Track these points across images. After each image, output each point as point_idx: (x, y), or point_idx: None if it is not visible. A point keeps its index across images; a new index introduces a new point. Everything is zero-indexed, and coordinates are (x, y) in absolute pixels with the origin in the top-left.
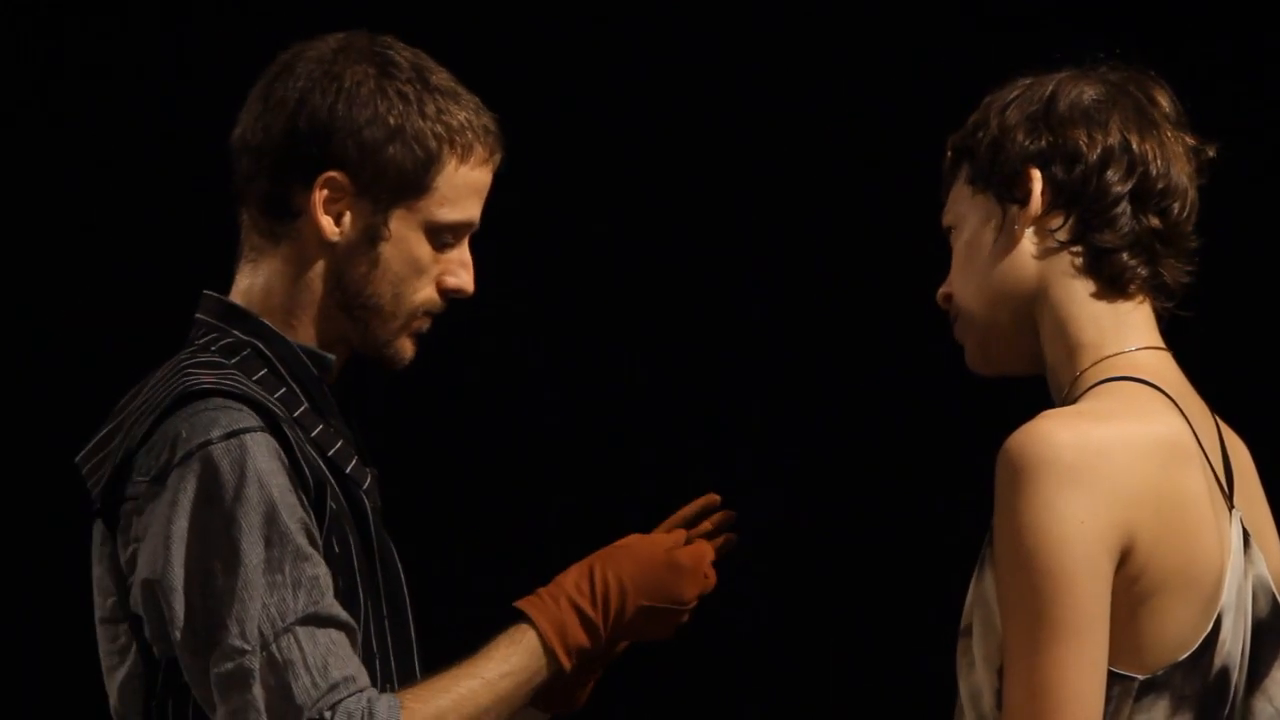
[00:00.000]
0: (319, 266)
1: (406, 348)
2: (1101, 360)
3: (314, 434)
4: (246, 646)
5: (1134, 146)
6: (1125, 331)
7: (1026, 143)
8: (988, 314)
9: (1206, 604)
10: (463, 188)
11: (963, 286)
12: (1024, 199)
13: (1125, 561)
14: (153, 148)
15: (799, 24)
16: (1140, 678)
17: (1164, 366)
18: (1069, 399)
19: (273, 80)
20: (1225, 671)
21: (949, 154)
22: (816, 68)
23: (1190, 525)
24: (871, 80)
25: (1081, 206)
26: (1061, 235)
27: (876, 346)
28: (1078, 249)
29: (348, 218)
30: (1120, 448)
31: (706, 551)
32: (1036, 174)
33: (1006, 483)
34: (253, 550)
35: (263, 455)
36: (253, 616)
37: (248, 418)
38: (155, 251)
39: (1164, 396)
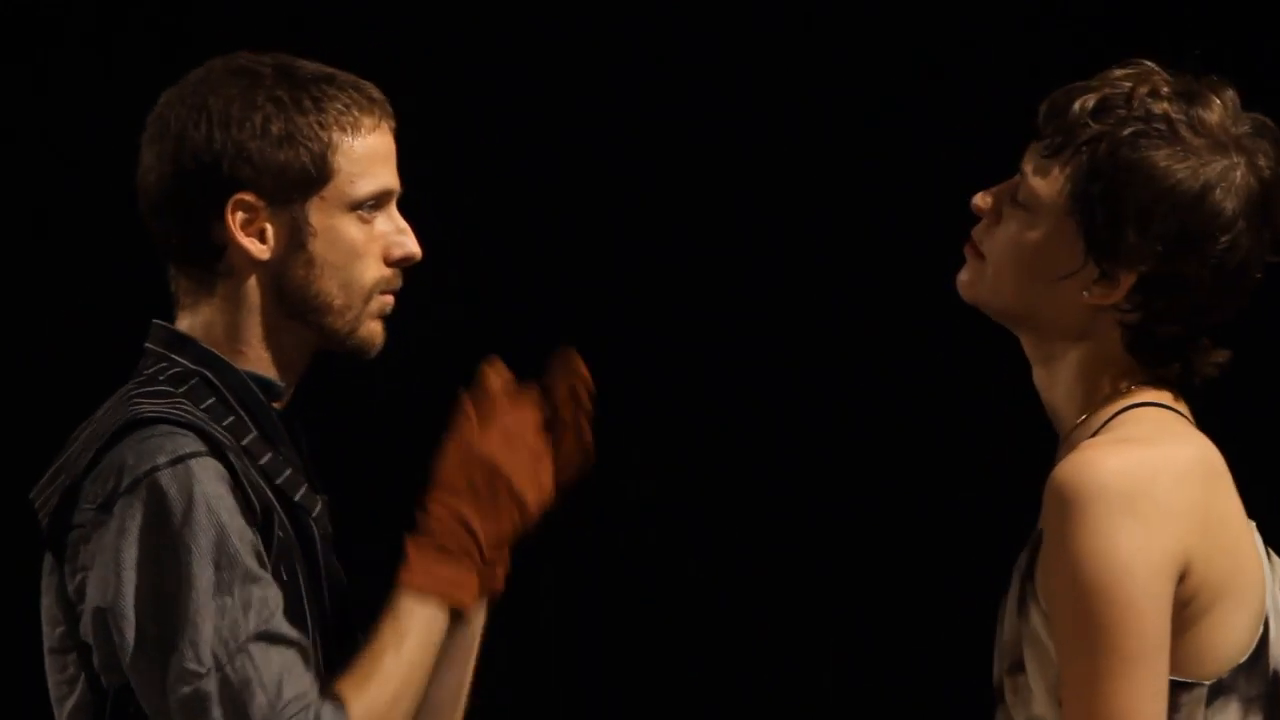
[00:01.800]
0: (257, 288)
1: (374, 332)
2: (1121, 388)
3: (262, 462)
4: (201, 669)
5: (1237, 279)
6: (1139, 369)
7: (1149, 245)
8: (1012, 307)
9: (1256, 609)
10: (365, 159)
11: (1003, 268)
12: (1111, 281)
13: (1182, 581)
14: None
15: (797, 24)
16: (1209, 683)
17: (1177, 396)
18: (1089, 427)
19: (150, 134)
20: (1278, 674)
21: (1072, 132)
22: (815, 67)
23: (1232, 540)
24: (869, 82)
25: (1159, 320)
26: (1127, 320)
27: (875, 347)
28: (1134, 334)
29: (269, 231)
30: (1166, 471)
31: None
32: (1134, 277)
33: (1060, 515)
34: (203, 573)
35: (209, 480)
36: (206, 639)
37: (193, 443)
38: (109, 283)
39: (1184, 419)
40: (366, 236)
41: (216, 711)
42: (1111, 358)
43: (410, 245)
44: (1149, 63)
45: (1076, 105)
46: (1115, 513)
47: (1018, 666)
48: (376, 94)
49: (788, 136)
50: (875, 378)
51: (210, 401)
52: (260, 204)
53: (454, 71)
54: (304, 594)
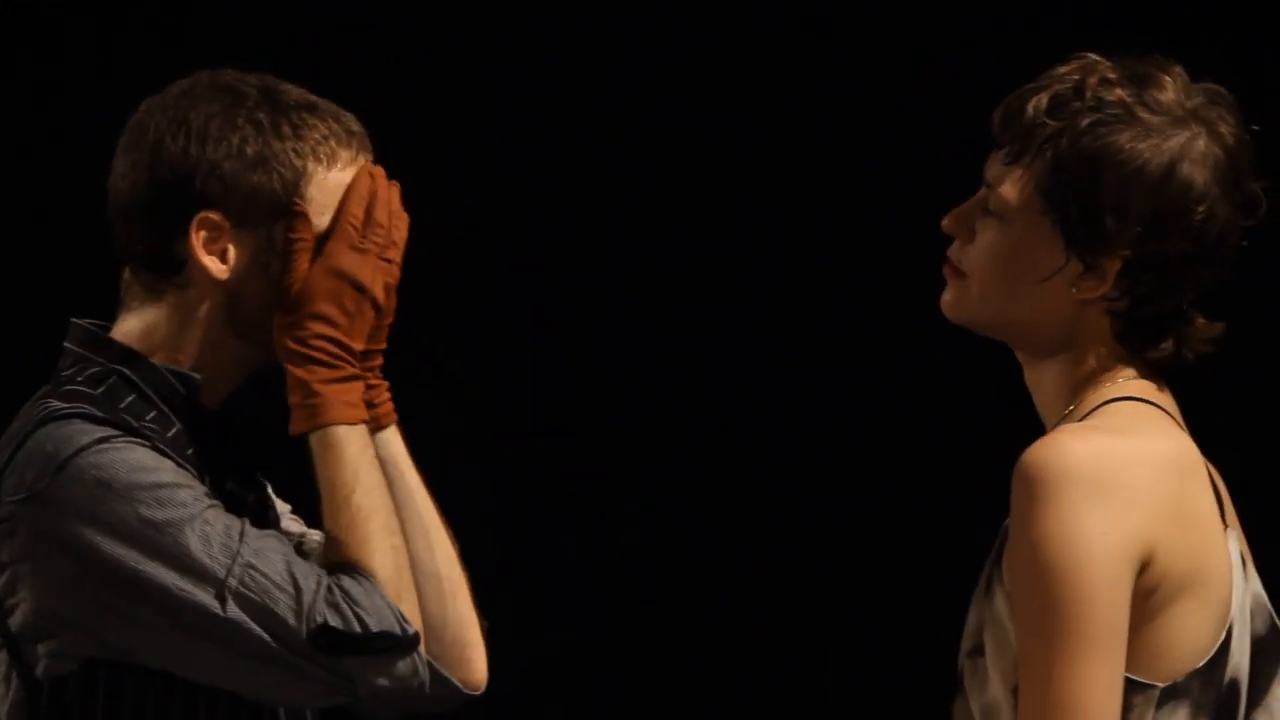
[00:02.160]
0: (210, 305)
1: None
2: (1105, 383)
3: (188, 455)
4: (217, 605)
5: (1218, 249)
6: (1129, 361)
7: (1128, 229)
8: (1001, 319)
9: (1219, 614)
10: (336, 191)
11: (987, 280)
12: (1096, 273)
13: (1144, 571)
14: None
15: (797, 24)
16: (1161, 685)
17: (1161, 391)
18: (1072, 417)
19: (127, 139)
20: (1235, 684)
21: (1030, 133)
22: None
23: (1203, 538)
24: (867, 82)
25: (1147, 301)
26: (1115, 308)
27: (877, 346)
28: (1124, 322)
29: (232, 252)
30: (1138, 462)
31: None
32: (1119, 266)
33: (1026, 496)
34: (169, 517)
35: (137, 449)
36: (206, 574)
37: (112, 430)
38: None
39: (1168, 416)
40: None
41: (256, 630)
42: (1100, 354)
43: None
44: (1092, 55)
45: (1030, 107)
46: (1081, 497)
47: (978, 650)
48: (356, 127)
49: (780, 135)
50: (876, 377)
51: (130, 399)
52: (226, 224)
53: (449, 71)
54: None
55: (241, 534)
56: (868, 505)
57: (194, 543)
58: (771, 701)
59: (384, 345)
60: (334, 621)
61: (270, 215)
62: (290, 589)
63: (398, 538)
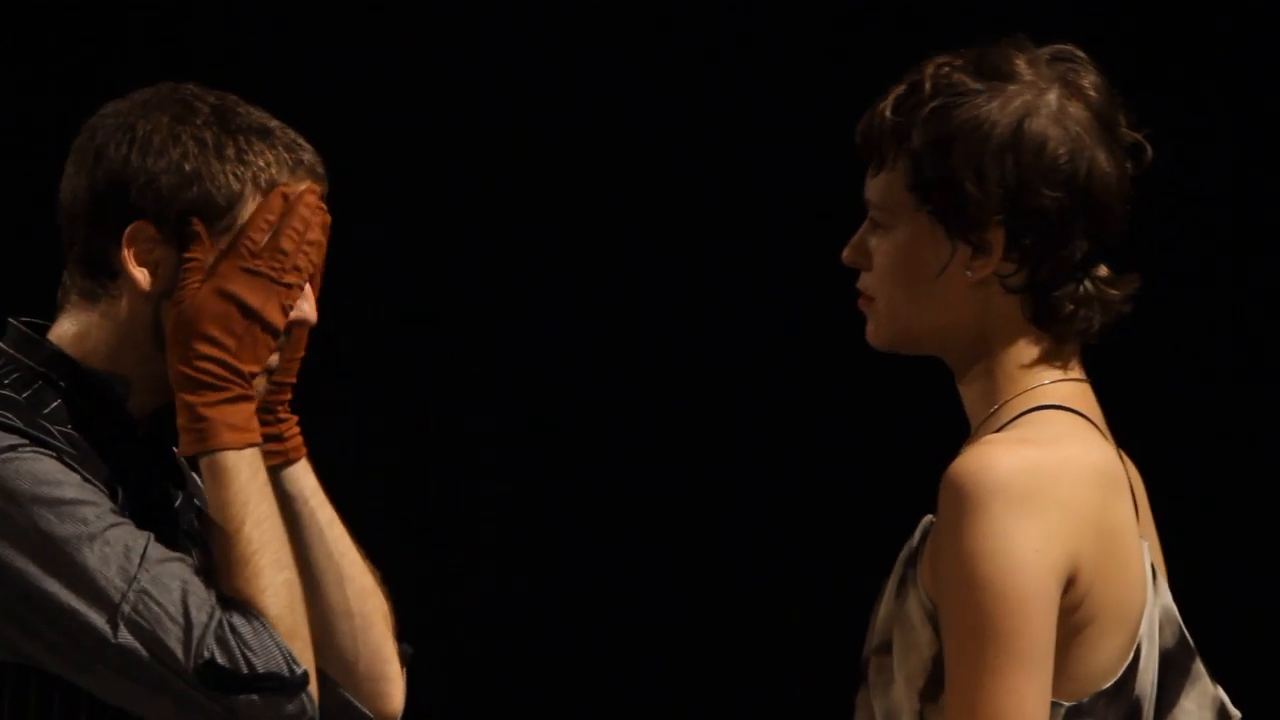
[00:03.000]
0: (139, 317)
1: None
2: (1027, 390)
3: (109, 461)
4: (108, 629)
5: (1098, 195)
6: (1051, 362)
7: (991, 193)
8: (914, 328)
9: (1129, 632)
10: None
11: (890, 294)
12: (983, 250)
13: (1068, 590)
14: None
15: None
16: (1067, 704)
17: (1085, 396)
18: (994, 421)
19: (79, 142)
20: (1139, 702)
21: (883, 140)
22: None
23: (1123, 555)
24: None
25: (1040, 262)
26: (1013, 283)
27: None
28: (1028, 297)
29: (161, 265)
30: (1066, 475)
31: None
32: (1001, 235)
33: (955, 510)
34: (69, 533)
35: (42, 461)
36: (100, 595)
37: (16, 439)
38: None
39: (1091, 425)
40: None
41: (147, 658)
42: (1019, 351)
43: (305, 309)
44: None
45: (877, 117)
46: (1013, 512)
47: (885, 648)
48: (309, 158)
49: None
50: (877, 377)
51: (55, 404)
52: (158, 236)
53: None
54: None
55: (142, 556)
56: (867, 504)
57: (92, 562)
58: (771, 701)
59: (293, 379)
60: (221, 659)
61: (198, 234)
62: (181, 620)
63: (290, 572)
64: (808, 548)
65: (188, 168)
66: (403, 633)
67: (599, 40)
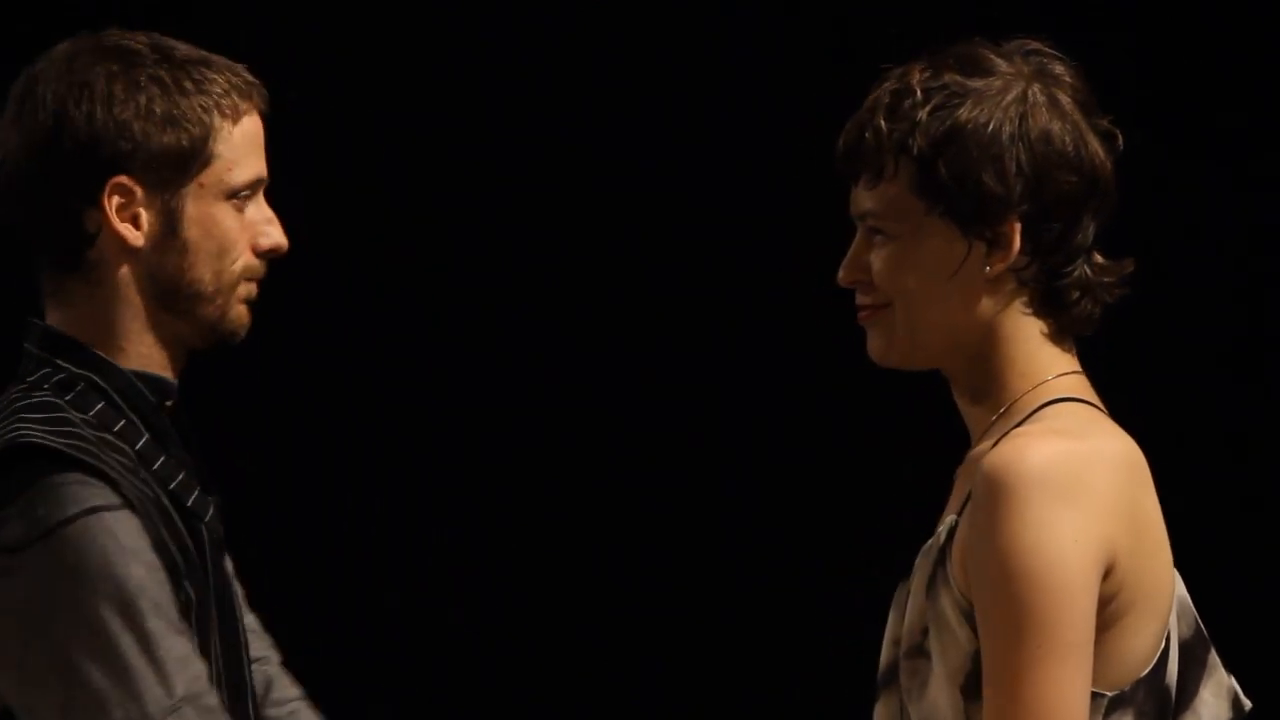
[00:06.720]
0: (130, 278)
1: (242, 314)
2: (1038, 386)
3: (155, 467)
4: None
5: (1101, 179)
6: (1058, 356)
7: (1011, 185)
8: (931, 333)
9: (1162, 621)
10: (242, 146)
11: (908, 299)
12: (999, 244)
13: (1106, 578)
14: None
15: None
16: (1110, 694)
17: (1090, 388)
18: (1011, 417)
19: (15, 112)
20: (1168, 691)
21: (880, 150)
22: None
23: (1153, 543)
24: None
25: (1052, 254)
26: (1027, 275)
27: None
28: (1038, 288)
29: (144, 217)
30: (1099, 464)
31: None
32: (1019, 227)
33: (995, 502)
34: (128, 629)
35: (125, 533)
36: (143, 697)
37: (106, 495)
38: None
39: (1107, 416)
40: (239, 225)
41: None
42: (1029, 349)
43: (278, 235)
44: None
45: (868, 129)
46: (1053, 502)
47: (917, 650)
48: (251, 77)
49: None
50: (877, 377)
51: (99, 407)
52: (138, 189)
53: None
54: (211, 640)
55: (190, 672)
56: (868, 504)
57: (142, 666)
58: (771, 701)
59: None
60: None
61: (181, 176)
62: None
63: None
64: (808, 548)
65: (158, 110)
66: (402, 634)
67: (599, 40)
